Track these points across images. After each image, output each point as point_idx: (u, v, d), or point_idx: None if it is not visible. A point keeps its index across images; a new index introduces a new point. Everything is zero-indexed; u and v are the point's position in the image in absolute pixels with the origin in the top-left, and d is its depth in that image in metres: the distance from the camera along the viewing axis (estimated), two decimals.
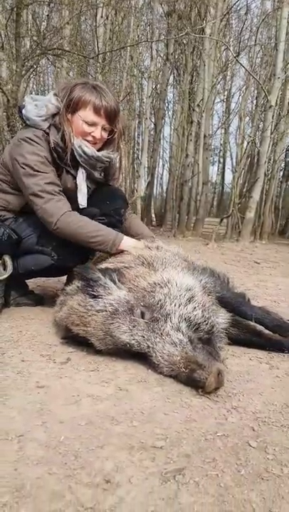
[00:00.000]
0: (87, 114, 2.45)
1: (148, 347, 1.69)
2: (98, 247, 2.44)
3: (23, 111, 2.48)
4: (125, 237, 2.45)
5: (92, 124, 2.49)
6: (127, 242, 2.43)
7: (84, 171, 2.58)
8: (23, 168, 2.39)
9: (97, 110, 2.45)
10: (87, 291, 1.89)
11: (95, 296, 1.85)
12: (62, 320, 2.00)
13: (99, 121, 2.49)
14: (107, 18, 11.06)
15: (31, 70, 7.95)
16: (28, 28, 8.50)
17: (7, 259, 2.51)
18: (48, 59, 8.74)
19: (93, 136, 2.52)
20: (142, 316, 1.77)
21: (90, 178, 2.63)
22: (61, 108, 2.44)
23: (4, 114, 7.31)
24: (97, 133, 2.52)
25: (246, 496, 1.01)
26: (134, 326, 1.73)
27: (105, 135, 2.58)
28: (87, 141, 2.52)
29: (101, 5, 10.01)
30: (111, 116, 2.51)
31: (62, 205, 2.41)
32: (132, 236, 2.68)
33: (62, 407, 1.40)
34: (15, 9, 6.89)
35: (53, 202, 2.39)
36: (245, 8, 15.61)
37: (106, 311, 1.78)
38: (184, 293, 1.85)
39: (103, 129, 2.54)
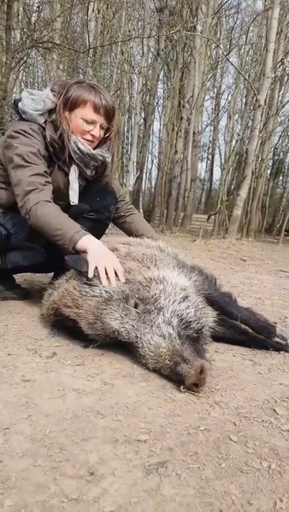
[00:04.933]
0: (86, 112, 2.43)
1: (136, 337, 1.70)
2: (58, 243, 2.19)
3: (20, 104, 2.45)
4: (87, 238, 2.14)
5: (92, 122, 2.47)
6: (89, 244, 2.11)
7: (76, 168, 2.56)
8: (15, 158, 2.35)
9: (96, 108, 2.44)
10: (82, 280, 1.91)
11: (90, 285, 1.88)
12: (55, 302, 2.00)
13: (98, 119, 2.47)
14: (98, 12, 11.00)
15: (21, 62, 7.89)
16: (19, 20, 8.41)
17: None
18: (39, 51, 8.66)
19: (92, 135, 2.50)
20: (136, 306, 1.78)
21: (81, 175, 2.61)
22: (58, 105, 2.42)
23: None
24: (96, 131, 2.50)
25: (226, 488, 1.04)
26: (126, 315, 1.74)
27: (102, 133, 2.57)
28: (86, 139, 2.50)
29: None
30: (109, 114, 2.50)
31: (40, 195, 2.28)
32: (132, 235, 2.73)
33: (48, 401, 1.42)
34: (6, 1, 6.82)
35: (34, 193, 2.27)
36: (237, 7, 15.63)
37: (101, 296, 1.81)
38: (178, 291, 1.87)
39: (101, 127, 2.52)
